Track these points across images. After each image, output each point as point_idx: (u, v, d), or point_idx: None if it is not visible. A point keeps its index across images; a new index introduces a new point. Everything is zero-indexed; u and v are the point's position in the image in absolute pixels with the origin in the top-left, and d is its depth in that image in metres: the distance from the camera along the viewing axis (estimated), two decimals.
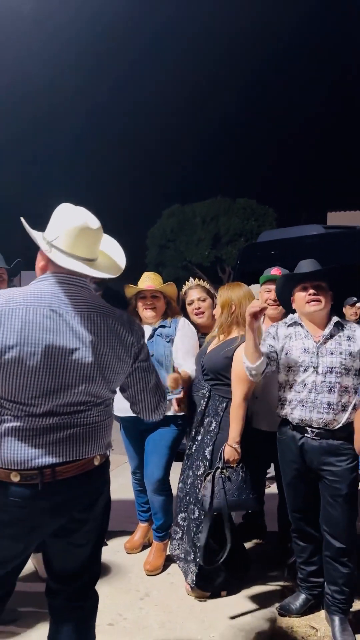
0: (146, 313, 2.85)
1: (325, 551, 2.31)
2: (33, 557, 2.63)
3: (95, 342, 1.49)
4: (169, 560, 2.88)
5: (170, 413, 2.81)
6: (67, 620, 1.62)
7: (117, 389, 1.68)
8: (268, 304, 2.85)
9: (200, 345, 2.86)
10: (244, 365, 2.29)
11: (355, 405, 2.23)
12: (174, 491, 2.90)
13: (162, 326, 2.86)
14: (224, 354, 2.49)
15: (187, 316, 3.01)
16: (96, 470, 1.56)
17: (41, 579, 2.58)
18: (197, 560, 2.44)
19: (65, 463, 1.47)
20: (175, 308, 2.94)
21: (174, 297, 2.94)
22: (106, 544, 3.04)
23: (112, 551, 2.99)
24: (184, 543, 2.56)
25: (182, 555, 2.55)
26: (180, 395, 2.83)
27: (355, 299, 4.82)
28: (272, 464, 2.86)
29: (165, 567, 2.83)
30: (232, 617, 2.41)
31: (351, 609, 2.33)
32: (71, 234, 1.50)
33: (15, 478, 1.43)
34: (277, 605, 2.48)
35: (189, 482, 2.56)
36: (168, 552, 2.90)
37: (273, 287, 2.83)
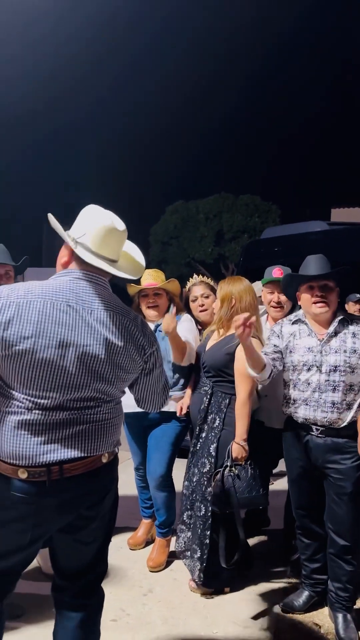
0: (149, 312, 2.85)
1: (329, 548, 2.31)
2: (40, 552, 2.64)
3: (109, 340, 1.50)
4: (172, 557, 2.89)
5: (172, 410, 2.82)
6: (73, 617, 1.62)
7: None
8: (271, 306, 2.85)
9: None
10: (248, 372, 2.28)
11: None
12: (178, 488, 2.90)
13: None
14: (225, 350, 2.48)
15: (191, 313, 3.00)
16: (104, 467, 1.56)
17: (45, 575, 2.59)
18: (204, 557, 2.44)
19: (73, 460, 1.47)
20: (178, 304, 2.93)
21: (177, 293, 2.92)
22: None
23: (115, 547, 3.00)
24: (190, 540, 2.56)
25: (189, 552, 2.55)
26: (183, 393, 2.83)
27: (358, 295, 4.79)
28: (282, 461, 2.85)
29: (168, 563, 2.84)
30: (235, 614, 2.41)
31: (354, 606, 2.33)
32: (98, 234, 1.53)
33: (22, 475, 1.43)
34: (280, 602, 2.48)
35: (194, 479, 2.56)
36: (173, 549, 2.91)
37: (275, 288, 2.83)
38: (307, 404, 2.26)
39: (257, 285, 2.99)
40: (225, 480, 2.35)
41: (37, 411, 1.44)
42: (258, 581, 2.67)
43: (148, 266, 3.32)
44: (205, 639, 2.24)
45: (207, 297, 2.93)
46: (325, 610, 2.42)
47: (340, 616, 2.27)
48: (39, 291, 1.45)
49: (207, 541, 2.44)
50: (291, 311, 2.90)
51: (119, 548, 3.00)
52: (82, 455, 1.48)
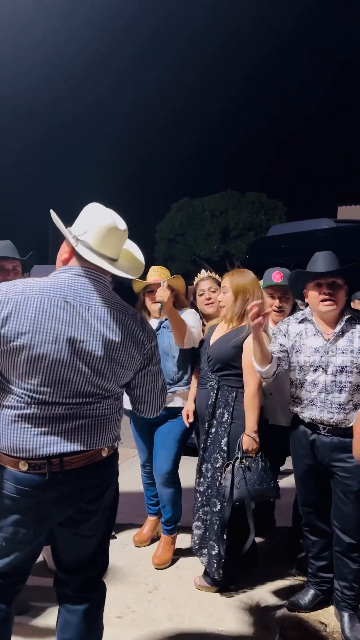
0: (154, 307, 2.85)
1: (336, 547, 2.30)
2: (44, 549, 2.65)
3: (106, 336, 1.51)
4: (177, 554, 2.89)
5: (178, 405, 2.83)
6: (75, 611, 1.64)
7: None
8: (273, 310, 2.84)
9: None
10: (254, 366, 2.27)
11: None
12: (184, 485, 2.90)
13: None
14: (232, 343, 2.47)
15: (197, 308, 3.01)
16: (104, 462, 1.57)
17: (51, 571, 2.60)
18: (222, 553, 2.44)
19: (73, 453, 1.49)
20: (183, 301, 2.94)
21: (182, 290, 2.93)
22: (115, 537, 3.05)
23: (121, 544, 3.01)
24: (207, 537, 2.55)
25: (206, 550, 2.54)
26: (187, 389, 2.84)
27: None
28: (289, 458, 2.84)
29: (173, 561, 2.84)
30: (241, 612, 2.41)
31: None
32: (99, 232, 1.54)
33: (23, 467, 1.46)
34: (286, 600, 2.48)
35: (208, 475, 2.55)
36: (178, 547, 2.91)
37: (276, 292, 2.83)
38: (313, 405, 2.25)
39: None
40: (236, 472, 2.35)
41: (35, 405, 1.46)
42: (264, 579, 2.67)
43: (154, 263, 3.31)
44: (211, 636, 2.24)
45: (214, 291, 2.95)
46: (331, 608, 2.41)
47: (346, 615, 2.26)
48: (37, 288, 1.47)
49: (225, 537, 2.43)
50: (291, 313, 2.91)
51: (124, 545, 3.00)
52: (82, 448, 1.50)
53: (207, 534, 2.53)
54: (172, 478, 2.84)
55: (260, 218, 21.98)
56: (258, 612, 2.41)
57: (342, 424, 2.20)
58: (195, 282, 3.06)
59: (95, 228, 1.54)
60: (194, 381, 2.82)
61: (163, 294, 2.48)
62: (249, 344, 2.36)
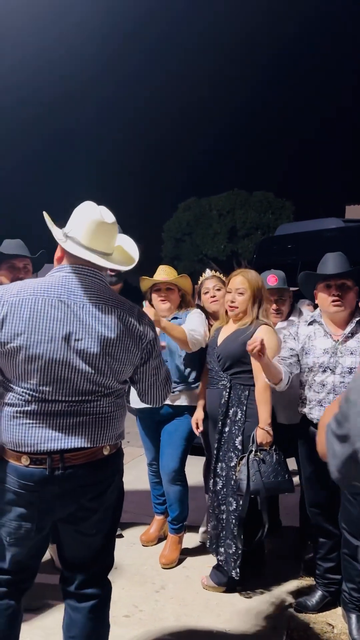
0: (160, 305, 2.86)
1: (343, 549, 2.29)
2: (50, 547, 2.66)
3: (102, 333, 1.52)
4: (184, 554, 2.89)
5: (184, 403, 2.83)
6: (81, 608, 1.65)
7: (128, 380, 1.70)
8: (271, 313, 2.86)
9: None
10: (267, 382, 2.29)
11: None
12: (191, 484, 2.90)
13: (175, 317, 2.87)
14: (240, 340, 2.48)
15: (202, 308, 3.02)
16: (106, 460, 1.58)
17: (57, 568, 2.61)
18: (239, 552, 2.43)
19: (73, 450, 1.51)
20: (189, 301, 2.95)
21: (189, 289, 2.95)
22: (122, 536, 3.06)
23: (128, 543, 3.01)
24: (224, 536, 2.55)
25: (222, 549, 2.54)
26: (193, 388, 2.84)
27: None
28: (293, 459, 2.84)
29: (180, 560, 2.84)
30: (248, 612, 2.41)
31: None
32: (86, 227, 1.55)
33: (25, 461, 1.49)
34: (293, 601, 2.47)
35: (223, 474, 2.55)
36: (185, 546, 2.91)
37: (272, 296, 2.85)
38: (321, 405, 2.24)
39: None
40: (251, 464, 2.35)
41: (36, 403, 1.49)
42: (271, 580, 2.66)
43: (161, 262, 3.31)
44: (218, 636, 2.24)
45: (218, 289, 2.98)
46: (339, 610, 2.40)
47: (353, 617, 2.25)
48: (32, 289, 1.49)
49: (242, 536, 2.43)
50: (289, 314, 2.97)
51: (131, 544, 3.01)
52: (82, 445, 1.52)
53: (224, 532, 2.52)
54: (179, 476, 2.84)
55: (267, 217, 21.93)
56: (265, 613, 2.41)
57: None
58: (200, 282, 3.09)
59: (82, 223, 1.56)
60: (202, 391, 2.81)
61: (147, 312, 2.50)
62: (257, 336, 2.38)
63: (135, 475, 3.81)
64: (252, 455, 2.38)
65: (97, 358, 1.51)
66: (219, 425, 2.55)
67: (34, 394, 1.48)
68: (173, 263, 19.18)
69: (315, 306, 2.44)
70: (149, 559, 2.86)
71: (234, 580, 2.54)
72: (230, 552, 2.47)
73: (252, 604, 2.47)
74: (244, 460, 2.38)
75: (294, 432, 2.51)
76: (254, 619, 2.36)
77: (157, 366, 1.69)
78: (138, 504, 3.34)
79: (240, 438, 2.47)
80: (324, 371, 2.23)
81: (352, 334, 2.21)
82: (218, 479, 2.56)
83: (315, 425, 2.29)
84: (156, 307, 2.90)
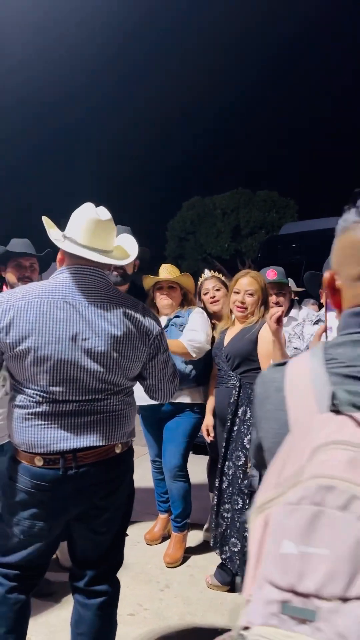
0: (163, 302, 2.88)
1: None
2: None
3: (108, 331, 1.52)
4: (188, 552, 2.89)
5: (186, 401, 2.83)
6: (89, 605, 1.66)
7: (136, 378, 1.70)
8: (271, 307, 2.88)
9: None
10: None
11: None
12: (194, 482, 2.90)
13: (177, 316, 2.88)
14: (247, 338, 2.51)
15: (204, 308, 3.03)
16: (118, 458, 1.59)
17: (62, 567, 2.62)
18: (245, 550, 2.43)
19: (86, 449, 1.52)
20: (191, 300, 2.97)
21: (191, 288, 2.96)
22: (127, 535, 3.05)
23: (132, 542, 3.02)
24: (229, 535, 2.54)
25: (227, 547, 2.53)
26: (195, 387, 2.85)
27: None
28: None
29: (184, 559, 2.84)
30: None
31: None
32: (83, 226, 1.58)
33: (39, 462, 1.49)
34: None
35: (230, 473, 2.54)
36: (189, 545, 2.91)
37: (272, 290, 2.89)
38: None
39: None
40: None
41: (46, 404, 1.49)
42: None
43: (164, 261, 3.32)
44: (223, 635, 2.24)
45: (218, 289, 3.00)
46: None
47: None
48: (37, 291, 1.51)
49: (247, 534, 2.42)
50: (289, 310, 3.00)
51: (135, 543, 3.01)
52: (94, 444, 1.52)
53: (228, 531, 2.52)
54: (181, 472, 2.85)
55: (271, 216, 21.85)
56: None
57: None
58: (199, 283, 3.10)
59: (79, 223, 1.58)
60: (211, 398, 2.81)
61: None
62: (263, 335, 2.42)
63: (140, 473, 3.79)
64: None
65: (105, 356, 1.52)
66: (228, 424, 2.55)
67: (44, 395, 1.49)
68: (177, 262, 19.18)
69: (320, 306, 2.43)
70: (153, 557, 2.87)
71: (239, 579, 2.53)
72: (236, 550, 2.47)
73: None
74: None
75: None
76: None
77: (165, 360, 1.70)
78: (142, 502, 3.34)
79: (249, 437, 2.47)
80: None
81: None
82: (224, 478, 2.56)
83: None
84: (158, 305, 2.92)
